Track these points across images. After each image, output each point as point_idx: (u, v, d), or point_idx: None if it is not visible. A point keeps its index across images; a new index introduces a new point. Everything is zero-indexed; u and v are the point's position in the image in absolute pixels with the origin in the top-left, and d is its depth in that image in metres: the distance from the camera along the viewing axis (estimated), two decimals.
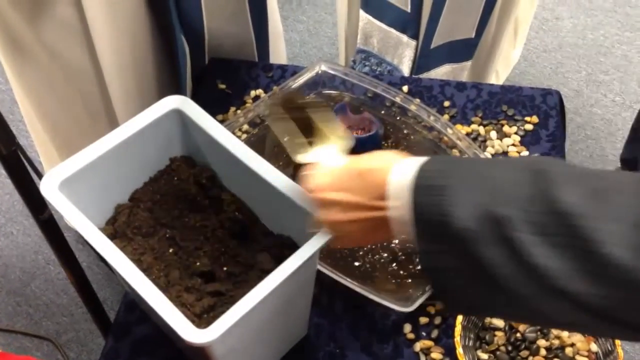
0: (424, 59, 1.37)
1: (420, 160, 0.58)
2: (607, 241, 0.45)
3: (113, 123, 1.19)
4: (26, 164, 0.92)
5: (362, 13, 1.37)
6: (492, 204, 0.50)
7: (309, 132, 0.71)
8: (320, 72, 1.12)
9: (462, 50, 1.40)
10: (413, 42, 1.35)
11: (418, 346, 0.88)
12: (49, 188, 0.73)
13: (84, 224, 0.70)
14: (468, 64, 1.44)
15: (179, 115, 0.82)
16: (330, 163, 0.66)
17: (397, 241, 0.94)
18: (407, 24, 1.33)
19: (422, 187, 0.55)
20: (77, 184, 0.75)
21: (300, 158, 0.69)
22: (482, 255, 0.51)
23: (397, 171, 0.58)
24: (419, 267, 0.91)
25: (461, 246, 0.52)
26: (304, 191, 0.70)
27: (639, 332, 0.48)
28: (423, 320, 0.90)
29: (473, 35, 1.36)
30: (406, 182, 0.56)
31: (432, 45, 1.35)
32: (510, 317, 0.69)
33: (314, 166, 0.67)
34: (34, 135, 1.42)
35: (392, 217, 0.59)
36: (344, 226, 0.64)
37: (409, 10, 1.30)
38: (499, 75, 1.73)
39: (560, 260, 0.47)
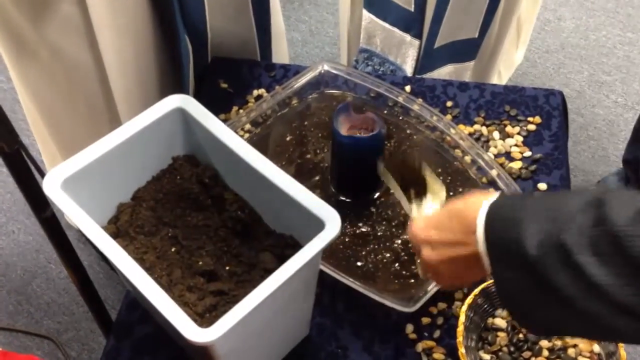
0: (427, 59, 1.37)
1: (500, 195, 0.64)
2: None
3: (115, 122, 1.18)
4: (29, 162, 0.92)
5: (365, 12, 1.37)
6: (556, 231, 0.55)
7: (416, 183, 0.83)
8: (322, 71, 1.12)
9: (465, 50, 1.39)
10: (416, 42, 1.34)
11: (420, 346, 0.88)
12: (52, 186, 0.72)
13: (86, 222, 0.70)
14: (471, 64, 1.43)
15: (181, 114, 0.82)
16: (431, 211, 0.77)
17: (399, 241, 0.94)
18: (410, 23, 1.32)
19: (495, 219, 0.61)
20: (80, 182, 0.75)
21: (413, 213, 0.81)
22: (551, 279, 0.55)
23: (484, 208, 0.63)
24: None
25: (532, 271, 0.56)
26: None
27: None
28: (425, 320, 0.90)
29: (476, 36, 1.36)
30: (483, 216, 0.62)
31: (436, 45, 1.35)
32: (588, 336, 0.74)
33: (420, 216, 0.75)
34: (36, 133, 1.42)
35: (481, 251, 0.62)
36: (440, 264, 0.69)
37: (412, 9, 1.29)
38: (501, 75, 1.72)
39: (616, 277, 0.52)
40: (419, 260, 0.77)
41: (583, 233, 0.54)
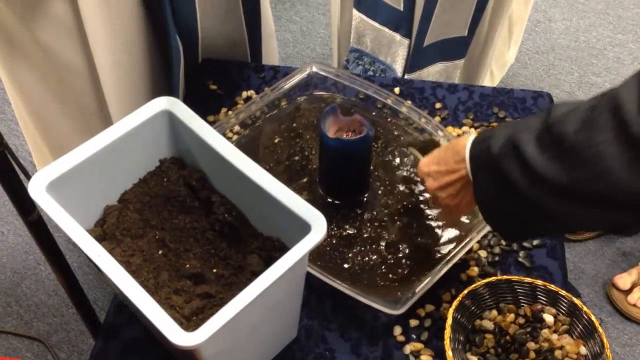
0: (417, 57, 1.37)
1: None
2: (568, 128, 0.61)
3: (107, 122, 1.18)
4: (14, 165, 0.92)
5: (355, 12, 1.37)
6: (514, 132, 0.67)
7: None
8: (311, 73, 1.12)
9: (454, 48, 1.40)
10: (406, 41, 1.35)
11: (408, 348, 0.88)
12: (37, 190, 0.72)
13: (71, 225, 0.70)
14: (461, 62, 1.44)
15: (168, 116, 0.82)
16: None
17: (383, 245, 0.94)
18: (400, 22, 1.33)
19: (476, 141, 0.74)
20: (66, 185, 0.75)
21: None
22: (507, 174, 0.66)
23: (471, 138, 0.75)
24: (407, 271, 0.91)
25: (495, 170, 0.68)
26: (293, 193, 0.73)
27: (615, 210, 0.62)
28: (413, 322, 0.90)
29: (465, 34, 1.37)
30: (469, 144, 0.74)
31: (425, 43, 1.35)
32: (543, 232, 0.82)
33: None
34: (27, 134, 1.41)
35: (467, 170, 0.74)
36: (439, 190, 0.81)
37: (401, 8, 1.30)
38: (494, 75, 1.73)
39: (552, 161, 0.62)
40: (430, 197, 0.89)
41: (532, 130, 0.65)
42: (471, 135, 0.76)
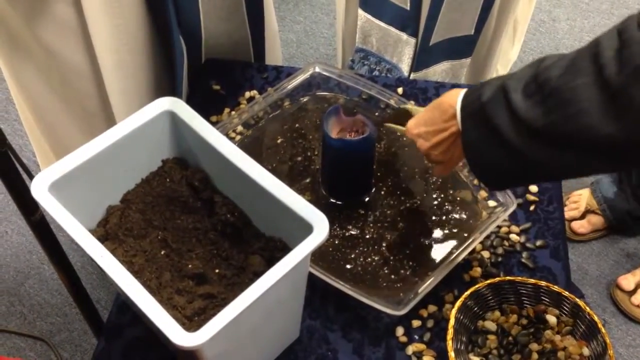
0: (423, 56, 1.37)
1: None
2: (552, 74, 0.65)
3: (110, 123, 1.18)
4: (17, 164, 0.92)
5: (360, 12, 1.37)
6: (504, 80, 0.70)
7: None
8: (314, 73, 1.12)
9: (461, 47, 1.39)
10: (412, 40, 1.34)
11: (410, 349, 0.88)
12: (39, 190, 0.72)
13: (73, 225, 0.70)
14: (467, 61, 1.43)
15: (170, 116, 0.82)
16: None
17: (384, 244, 0.94)
18: (406, 21, 1.32)
19: (468, 94, 0.76)
20: (68, 185, 0.75)
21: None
22: (494, 120, 0.69)
23: (462, 93, 0.77)
24: (410, 271, 0.91)
25: (483, 117, 0.71)
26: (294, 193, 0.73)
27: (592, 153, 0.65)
28: (415, 323, 0.90)
29: (472, 32, 1.36)
30: (460, 97, 0.76)
31: (431, 42, 1.35)
32: (528, 180, 0.85)
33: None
34: (30, 134, 1.41)
35: (458, 122, 0.76)
36: (431, 149, 0.83)
37: (408, 7, 1.29)
38: (499, 74, 1.72)
39: (534, 106, 0.66)
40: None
41: (521, 79, 0.68)
42: (461, 91, 0.77)
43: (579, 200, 1.73)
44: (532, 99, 0.66)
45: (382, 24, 1.36)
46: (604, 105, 0.61)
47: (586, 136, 0.63)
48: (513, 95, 0.68)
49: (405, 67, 1.40)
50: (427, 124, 0.83)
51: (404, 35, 1.34)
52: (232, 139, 1.07)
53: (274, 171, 0.76)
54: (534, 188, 1.04)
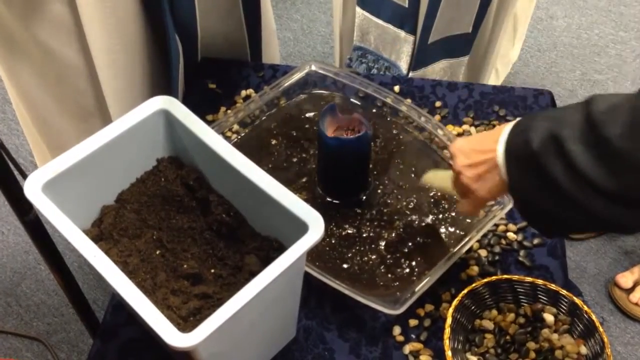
0: (422, 54, 1.36)
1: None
2: (612, 132, 0.60)
3: (106, 122, 1.17)
4: (10, 164, 0.91)
5: (358, 9, 1.37)
6: (555, 127, 0.65)
7: None
8: (310, 72, 1.12)
9: (459, 45, 1.39)
10: (411, 38, 1.34)
11: (407, 348, 0.87)
12: (33, 190, 0.72)
13: (66, 225, 0.69)
14: (465, 59, 1.43)
15: (165, 115, 0.81)
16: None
17: (383, 244, 0.93)
18: (404, 19, 1.32)
19: (512, 132, 0.71)
20: (62, 185, 0.74)
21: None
22: (548, 169, 0.65)
23: (508, 127, 0.73)
24: (406, 270, 0.91)
25: (535, 165, 0.67)
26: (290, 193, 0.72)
27: None
28: (412, 322, 0.90)
29: (470, 30, 1.36)
30: (505, 134, 0.73)
31: (430, 40, 1.34)
32: (582, 227, 0.79)
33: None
34: (27, 134, 1.41)
35: (499, 162, 0.73)
36: (467, 170, 0.79)
37: (406, 5, 1.29)
38: (499, 73, 1.72)
39: (595, 160, 0.62)
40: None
41: (575, 127, 0.64)
42: (505, 126, 0.75)
43: None
44: (593, 152, 0.62)
45: (380, 22, 1.36)
46: None
47: None
48: (571, 147, 0.63)
49: (403, 65, 1.39)
50: (473, 142, 0.80)
51: (402, 33, 1.34)
52: (228, 137, 1.06)
53: (270, 170, 0.76)
54: None
